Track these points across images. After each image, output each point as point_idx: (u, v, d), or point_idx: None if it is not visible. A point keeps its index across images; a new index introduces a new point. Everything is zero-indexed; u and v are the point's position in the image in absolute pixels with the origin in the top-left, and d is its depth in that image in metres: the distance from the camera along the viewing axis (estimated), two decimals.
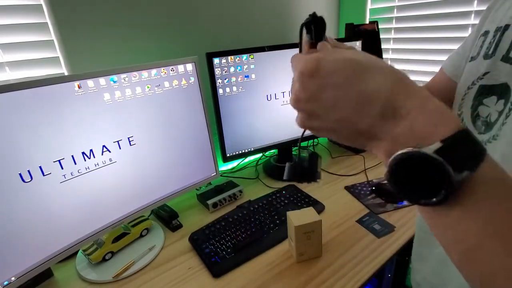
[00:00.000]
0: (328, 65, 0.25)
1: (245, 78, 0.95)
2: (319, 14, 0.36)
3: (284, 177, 0.43)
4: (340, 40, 1.10)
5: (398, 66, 0.87)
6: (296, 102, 0.28)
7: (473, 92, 0.40)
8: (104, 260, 0.74)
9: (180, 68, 0.77)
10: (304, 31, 0.35)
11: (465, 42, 0.50)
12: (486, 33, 0.41)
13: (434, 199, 0.22)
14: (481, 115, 0.38)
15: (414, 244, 0.59)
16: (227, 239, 0.77)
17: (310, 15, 0.33)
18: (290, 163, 0.44)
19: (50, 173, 0.61)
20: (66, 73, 0.81)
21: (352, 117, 0.25)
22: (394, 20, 1.21)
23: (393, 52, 1.25)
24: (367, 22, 1.29)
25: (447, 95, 0.50)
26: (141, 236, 0.81)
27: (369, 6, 1.27)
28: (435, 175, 0.21)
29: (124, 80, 0.68)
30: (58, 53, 0.79)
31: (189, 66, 0.79)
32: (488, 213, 0.21)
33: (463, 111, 0.42)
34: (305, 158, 0.50)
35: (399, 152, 0.22)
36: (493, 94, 0.37)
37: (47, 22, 0.76)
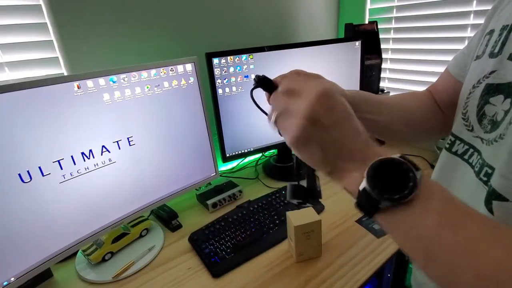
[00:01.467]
0: (337, 94, 0.32)
1: (245, 78, 0.95)
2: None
3: (288, 198, 0.44)
4: (339, 40, 1.10)
5: (397, 66, 0.87)
6: (311, 111, 0.31)
7: (479, 91, 0.40)
8: (103, 260, 0.73)
9: (180, 68, 0.77)
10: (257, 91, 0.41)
11: (470, 42, 0.49)
12: (491, 32, 0.41)
13: (406, 191, 0.26)
14: (488, 114, 0.38)
15: None
16: (226, 239, 0.77)
17: (254, 79, 0.40)
18: (291, 183, 0.45)
19: (50, 174, 0.61)
20: (65, 73, 0.81)
21: (347, 139, 0.32)
22: (393, 20, 1.21)
23: (392, 52, 1.25)
24: (367, 22, 1.29)
25: (452, 95, 0.50)
26: (141, 236, 0.81)
27: (369, 6, 1.27)
28: (403, 173, 0.27)
29: (124, 80, 0.68)
30: (57, 53, 0.79)
31: (189, 66, 0.79)
32: (440, 207, 0.26)
33: (468, 109, 0.41)
34: (303, 175, 0.50)
35: (374, 160, 0.28)
36: (500, 93, 0.36)
37: (46, 22, 0.76)
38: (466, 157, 0.42)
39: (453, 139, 0.44)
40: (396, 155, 0.28)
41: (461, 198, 0.41)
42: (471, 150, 0.41)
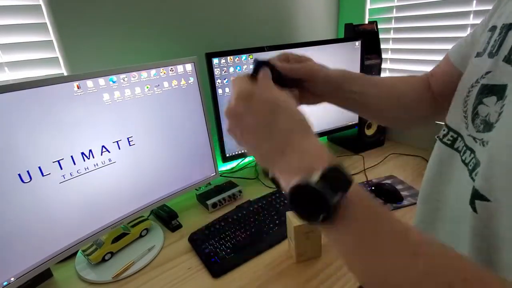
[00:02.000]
0: (257, 98, 0.33)
1: None
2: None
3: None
4: (339, 40, 1.10)
5: (397, 66, 0.87)
6: (226, 113, 0.35)
7: (476, 90, 0.40)
8: (103, 260, 0.73)
9: (180, 68, 0.77)
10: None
11: (474, 32, 0.49)
12: (493, 28, 0.41)
13: (320, 217, 0.27)
14: (480, 114, 0.38)
15: None
16: (226, 239, 0.77)
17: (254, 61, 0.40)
18: None
19: (50, 174, 0.61)
20: (65, 74, 0.81)
21: (259, 141, 0.33)
22: (393, 20, 1.21)
23: (392, 52, 1.25)
24: (366, 22, 1.29)
25: (448, 83, 0.50)
26: (141, 236, 0.81)
27: (368, 6, 1.27)
28: (318, 199, 0.26)
29: (123, 80, 0.68)
30: (57, 53, 0.79)
31: (189, 66, 0.79)
32: (357, 231, 0.28)
33: (468, 108, 0.42)
34: None
35: (292, 185, 0.28)
36: (494, 94, 0.37)
37: (46, 23, 0.76)
38: (461, 154, 0.42)
39: (455, 135, 0.44)
40: (316, 175, 0.27)
41: (453, 197, 0.41)
42: (465, 148, 0.41)
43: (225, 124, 0.36)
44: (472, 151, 0.39)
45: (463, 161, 0.41)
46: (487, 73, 0.38)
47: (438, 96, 0.54)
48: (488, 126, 0.36)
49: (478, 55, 0.42)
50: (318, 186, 0.26)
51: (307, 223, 0.29)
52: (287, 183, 0.29)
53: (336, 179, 0.27)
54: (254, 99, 0.33)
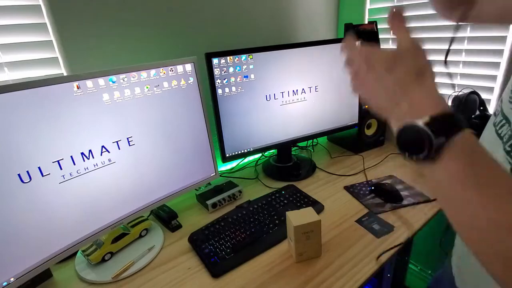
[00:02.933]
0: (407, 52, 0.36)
1: (244, 78, 0.95)
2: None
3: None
4: (339, 40, 1.10)
5: None
6: (396, 65, 0.35)
7: None
8: (103, 260, 0.73)
9: (179, 68, 0.77)
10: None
11: None
12: None
13: (421, 155, 0.31)
14: None
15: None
16: (226, 239, 0.77)
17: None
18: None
19: (49, 174, 0.61)
20: (65, 74, 0.81)
21: (409, 79, 0.34)
22: None
23: None
24: (366, 22, 1.29)
25: None
26: (141, 236, 0.81)
27: (368, 6, 1.27)
28: (423, 138, 0.30)
29: (123, 80, 0.68)
30: (57, 53, 0.79)
31: (188, 67, 0.79)
32: (455, 170, 0.30)
33: None
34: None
35: (403, 124, 0.32)
36: None
37: (45, 23, 0.76)
38: (498, 128, 0.42)
39: (504, 120, 0.44)
40: (424, 119, 0.30)
41: None
42: (504, 121, 0.41)
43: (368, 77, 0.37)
44: (509, 122, 0.39)
45: (499, 135, 0.41)
46: None
47: None
48: None
49: None
50: (423, 127, 0.30)
51: (410, 160, 0.32)
52: (396, 122, 0.34)
53: (441, 125, 0.30)
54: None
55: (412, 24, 1.15)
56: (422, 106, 0.32)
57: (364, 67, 0.37)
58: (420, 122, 0.30)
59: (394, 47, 0.37)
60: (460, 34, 1.03)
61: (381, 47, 0.38)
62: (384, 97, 0.36)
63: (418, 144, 0.30)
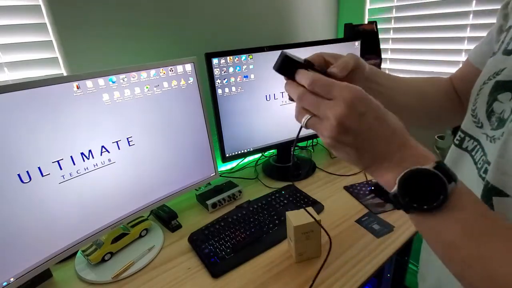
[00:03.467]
0: (369, 97, 0.32)
1: (244, 79, 0.95)
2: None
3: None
4: (339, 40, 1.10)
5: (397, 66, 0.87)
6: (342, 119, 0.31)
7: (489, 88, 0.39)
8: (103, 260, 0.73)
9: (179, 68, 0.77)
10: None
11: (490, 33, 0.49)
12: (510, 28, 0.40)
13: (435, 204, 0.28)
14: (496, 111, 0.38)
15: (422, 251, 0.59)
16: (226, 239, 0.77)
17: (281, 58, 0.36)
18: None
19: (49, 174, 0.61)
20: (64, 74, 0.81)
21: (380, 142, 0.32)
22: (392, 20, 1.21)
23: (392, 52, 1.25)
24: (366, 22, 1.29)
25: (470, 83, 0.49)
26: (140, 236, 0.81)
27: (368, 6, 1.27)
28: (436, 184, 0.28)
29: (123, 80, 0.68)
30: (56, 53, 0.79)
31: (188, 67, 0.79)
32: (468, 220, 0.28)
33: (478, 106, 0.41)
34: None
35: (408, 169, 0.29)
36: (508, 90, 0.36)
37: (45, 23, 0.76)
38: (473, 153, 0.41)
39: (462, 135, 0.44)
40: (431, 165, 0.29)
41: None
42: (478, 146, 0.41)
43: (330, 132, 0.32)
44: (482, 148, 0.39)
45: (474, 160, 0.40)
46: (502, 69, 0.38)
47: (463, 98, 0.54)
48: (502, 122, 0.36)
49: (494, 54, 0.42)
50: (435, 170, 0.28)
51: (413, 210, 0.30)
52: (392, 172, 0.31)
53: (448, 170, 0.29)
54: (368, 99, 0.32)
55: (412, 24, 1.15)
56: (423, 152, 0.31)
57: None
58: (430, 167, 0.29)
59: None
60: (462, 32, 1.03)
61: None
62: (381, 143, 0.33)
63: (429, 191, 0.28)
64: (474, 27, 1.00)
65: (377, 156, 0.32)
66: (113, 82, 0.67)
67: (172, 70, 0.76)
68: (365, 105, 0.31)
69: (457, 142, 0.46)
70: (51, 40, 0.78)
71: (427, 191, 0.29)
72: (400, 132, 0.32)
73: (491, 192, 0.34)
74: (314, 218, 0.64)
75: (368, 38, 1.13)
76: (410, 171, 0.29)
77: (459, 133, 0.45)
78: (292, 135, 1.08)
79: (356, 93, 0.31)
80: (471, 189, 0.31)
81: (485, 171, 0.36)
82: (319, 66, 0.39)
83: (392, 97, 0.50)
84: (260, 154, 1.23)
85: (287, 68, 0.36)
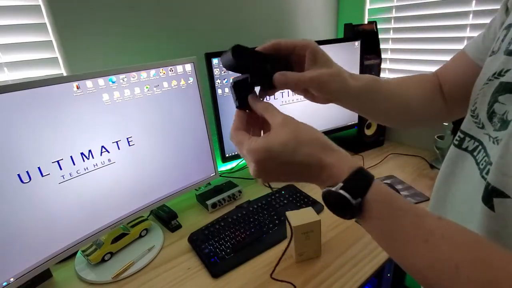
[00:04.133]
0: (275, 149, 0.35)
1: None
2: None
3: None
4: (339, 40, 1.10)
5: (397, 66, 0.87)
6: (256, 173, 0.37)
7: (491, 88, 0.39)
8: (103, 260, 0.73)
9: (179, 68, 0.77)
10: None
11: (489, 28, 0.47)
12: (509, 26, 0.40)
13: (347, 216, 0.34)
14: (497, 112, 0.37)
15: None
16: (226, 239, 0.77)
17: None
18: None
19: (49, 174, 0.61)
20: (64, 74, 0.81)
21: (297, 176, 0.37)
22: (392, 20, 1.21)
23: (391, 52, 1.25)
24: (366, 22, 1.29)
25: (462, 78, 0.49)
26: (140, 236, 0.81)
27: (368, 6, 1.27)
28: (343, 202, 0.32)
29: (123, 80, 0.68)
30: (56, 53, 0.79)
31: (188, 67, 0.79)
32: (378, 227, 0.33)
33: (478, 106, 0.41)
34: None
35: (323, 190, 0.35)
36: (509, 92, 0.36)
37: (45, 23, 0.76)
38: (475, 153, 0.41)
39: (462, 136, 0.44)
40: (338, 186, 0.33)
41: (463, 196, 0.41)
42: (480, 147, 0.40)
43: (255, 175, 0.38)
44: (484, 149, 0.38)
45: (476, 161, 0.40)
46: (506, 71, 0.37)
47: (448, 96, 0.54)
48: (505, 124, 0.35)
49: (493, 53, 0.41)
50: (340, 191, 0.32)
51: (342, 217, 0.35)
52: (320, 187, 0.36)
53: (355, 186, 0.32)
54: (274, 152, 0.35)
55: (412, 24, 1.16)
56: (337, 170, 0.34)
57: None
58: (337, 187, 0.33)
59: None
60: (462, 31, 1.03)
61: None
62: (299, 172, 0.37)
63: (341, 207, 0.33)
64: (474, 27, 1.00)
65: (304, 179, 0.37)
66: (113, 82, 0.67)
67: (172, 70, 0.76)
68: (271, 161, 0.35)
69: (456, 142, 0.46)
70: (51, 40, 0.78)
71: (340, 206, 0.33)
72: (315, 159, 0.35)
73: (491, 193, 0.34)
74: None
75: (368, 38, 1.13)
76: (324, 192, 0.34)
77: (459, 133, 0.45)
78: None
79: (259, 156, 0.35)
80: (473, 190, 0.33)
81: (487, 172, 0.36)
82: (270, 59, 0.42)
83: (375, 109, 0.51)
84: None
85: (237, 86, 0.38)
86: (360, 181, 0.33)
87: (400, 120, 0.56)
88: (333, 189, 0.33)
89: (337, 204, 0.33)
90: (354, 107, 0.50)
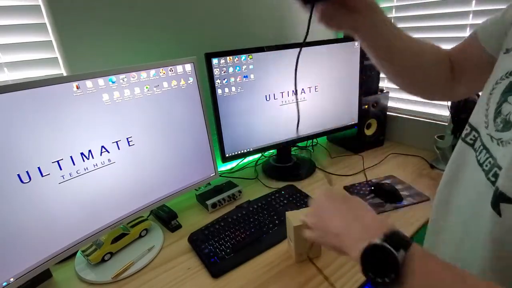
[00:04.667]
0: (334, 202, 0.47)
1: (244, 79, 0.95)
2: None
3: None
4: (339, 40, 1.10)
5: None
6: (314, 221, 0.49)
7: (502, 87, 0.38)
8: (103, 260, 0.73)
9: (179, 68, 0.77)
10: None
11: (506, 13, 0.45)
12: None
13: (393, 275, 0.31)
14: (503, 112, 0.37)
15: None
16: (226, 239, 0.77)
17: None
18: None
19: (49, 174, 0.61)
20: (64, 74, 0.81)
21: (338, 223, 0.43)
22: (392, 20, 1.21)
23: None
24: None
25: (468, 58, 0.50)
26: (140, 236, 0.81)
27: None
28: (386, 256, 0.32)
29: (123, 80, 0.68)
30: (56, 53, 0.79)
31: (188, 67, 0.79)
32: (423, 283, 0.31)
33: (490, 106, 0.40)
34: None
35: (361, 247, 0.34)
36: None
37: (45, 23, 0.76)
38: (477, 153, 0.41)
39: (469, 129, 0.44)
40: (379, 239, 0.33)
41: (468, 199, 0.41)
42: (481, 146, 0.40)
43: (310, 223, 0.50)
44: (488, 150, 0.38)
45: (478, 161, 0.40)
46: None
47: (457, 74, 0.54)
48: (508, 125, 0.35)
49: (508, 51, 0.40)
50: (383, 243, 0.32)
51: (375, 282, 0.33)
52: (355, 250, 0.36)
53: (397, 240, 0.33)
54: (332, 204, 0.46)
55: (411, 24, 1.15)
56: (373, 226, 0.37)
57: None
58: (378, 240, 0.33)
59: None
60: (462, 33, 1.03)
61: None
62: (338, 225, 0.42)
63: (383, 263, 0.32)
64: (474, 27, 1.00)
65: (341, 246, 0.41)
66: (113, 82, 0.67)
67: (172, 70, 0.76)
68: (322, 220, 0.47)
69: (463, 135, 0.46)
70: (51, 40, 0.78)
71: (383, 263, 0.32)
72: (356, 212, 0.42)
73: (499, 198, 0.34)
74: None
75: None
76: (366, 247, 0.34)
77: (467, 126, 0.45)
78: (291, 135, 1.07)
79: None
80: (478, 193, 0.33)
81: (494, 175, 0.35)
82: None
83: (390, 57, 0.53)
84: (260, 154, 1.23)
85: None
86: (400, 237, 0.33)
87: (411, 74, 0.56)
88: (375, 241, 0.33)
89: (379, 257, 0.33)
90: (373, 38, 0.52)
